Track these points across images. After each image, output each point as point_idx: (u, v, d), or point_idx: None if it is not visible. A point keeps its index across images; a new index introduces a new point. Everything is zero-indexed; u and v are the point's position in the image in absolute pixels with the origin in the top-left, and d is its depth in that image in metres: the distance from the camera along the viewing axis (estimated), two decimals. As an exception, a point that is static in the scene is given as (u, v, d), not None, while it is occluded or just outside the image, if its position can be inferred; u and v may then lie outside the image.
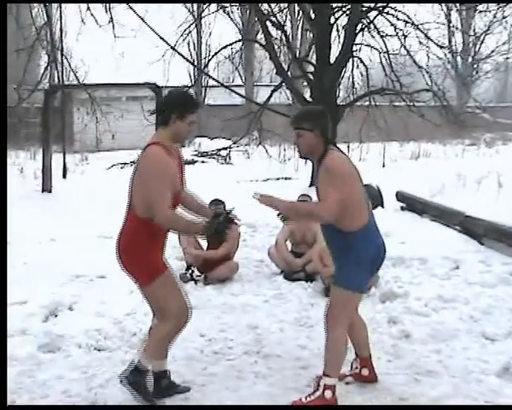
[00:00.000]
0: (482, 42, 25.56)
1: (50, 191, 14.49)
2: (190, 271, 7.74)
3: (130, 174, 4.41)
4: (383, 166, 19.88)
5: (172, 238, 8.10)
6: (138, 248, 4.34)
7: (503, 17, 17.49)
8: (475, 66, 25.49)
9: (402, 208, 11.73)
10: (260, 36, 16.41)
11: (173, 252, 8.53)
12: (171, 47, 14.65)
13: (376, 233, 4.57)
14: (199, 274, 7.74)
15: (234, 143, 19.26)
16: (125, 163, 21.29)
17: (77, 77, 18.19)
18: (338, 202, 4.27)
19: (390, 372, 5.04)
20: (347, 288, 4.42)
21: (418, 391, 4.69)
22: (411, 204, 11.53)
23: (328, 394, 4.38)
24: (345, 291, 4.43)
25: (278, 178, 16.96)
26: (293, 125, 4.61)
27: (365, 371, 4.82)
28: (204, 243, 8.11)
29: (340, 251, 4.51)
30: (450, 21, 19.86)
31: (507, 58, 29.25)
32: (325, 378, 4.41)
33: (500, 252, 8.58)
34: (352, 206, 4.38)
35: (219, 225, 4.22)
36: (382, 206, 11.70)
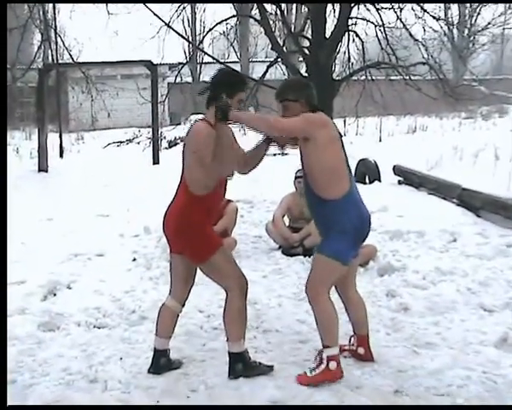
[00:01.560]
0: (478, 14, 25.35)
1: (47, 171, 14.48)
2: (188, 248, 7.73)
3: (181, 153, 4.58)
4: (380, 140, 19.88)
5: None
6: (197, 224, 4.42)
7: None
8: (472, 38, 25.34)
9: (399, 182, 11.74)
10: (255, 11, 16.27)
11: (171, 229, 8.53)
12: (166, 24, 14.53)
13: (359, 203, 4.58)
14: (197, 251, 7.72)
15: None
16: (121, 141, 21.23)
17: (71, 55, 18.07)
18: (295, 125, 4.35)
19: (389, 345, 5.07)
20: (330, 256, 4.42)
21: (417, 363, 4.72)
22: (408, 178, 11.53)
23: (332, 365, 4.40)
24: (328, 260, 4.43)
25: (275, 154, 16.89)
26: (277, 98, 4.66)
27: (361, 350, 4.83)
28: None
29: (325, 222, 4.52)
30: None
31: (503, 29, 29.08)
32: (326, 350, 4.44)
33: (497, 224, 8.61)
34: (336, 172, 4.42)
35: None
36: (379, 180, 11.72)
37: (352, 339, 4.89)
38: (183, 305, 4.79)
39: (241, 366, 4.52)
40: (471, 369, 4.61)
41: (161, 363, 4.65)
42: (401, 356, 4.84)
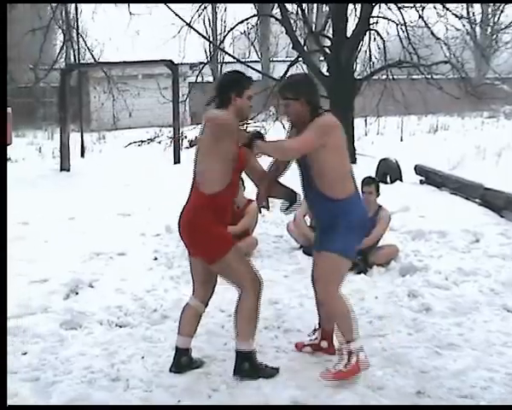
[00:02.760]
0: (502, 11, 25.07)
1: (69, 170, 14.60)
2: (209, 247, 7.73)
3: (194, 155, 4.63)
4: (401, 140, 19.77)
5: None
6: (208, 224, 4.45)
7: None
8: (494, 36, 25.07)
9: (421, 182, 11.67)
10: (276, 10, 16.25)
11: (192, 229, 8.55)
12: (187, 23, 14.59)
13: (362, 202, 4.79)
14: (218, 250, 7.73)
15: (250, 119, 19.19)
16: (142, 141, 21.27)
17: (93, 55, 18.22)
18: (308, 142, 4.36)
19: (411, 346, 5.03)
20: (338, 253, 4.44)
21: (439, 364, 4.69)
22: (430, 177, 11.46)
23: (353, 359, 4.40)
24: (336, 257, 4.45)
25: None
26: (279, 95, 4.70)
27: (324, 344, 4.89)
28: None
29: (330, 220, 4.51)
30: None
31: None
32: (347, 345, 4.44)
33: (520, 224, 8.53)
34: (345, 172, 4.50)
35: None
36: (401, 180, 11.65)
37: (316, 333, 4.95)
38: (206, 305, 4.80)
39: (248, 365, 4.51)
40: (494, 370, 4.57)
41: (183, 362, 4.66)
42: (423, 357, 4.80)
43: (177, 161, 16.01)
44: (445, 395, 4.25)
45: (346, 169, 4.53)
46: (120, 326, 5.58)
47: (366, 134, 19.97)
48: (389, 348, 4.97)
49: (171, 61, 16.05)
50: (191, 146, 18.33)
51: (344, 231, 4.44)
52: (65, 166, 14.61)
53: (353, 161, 12.22)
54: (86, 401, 4.18)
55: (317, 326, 4.95)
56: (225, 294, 6.15)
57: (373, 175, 9.33)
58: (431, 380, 4.46)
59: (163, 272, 7.04)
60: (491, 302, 5.96)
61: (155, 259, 7.54)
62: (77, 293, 6.35)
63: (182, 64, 18.64)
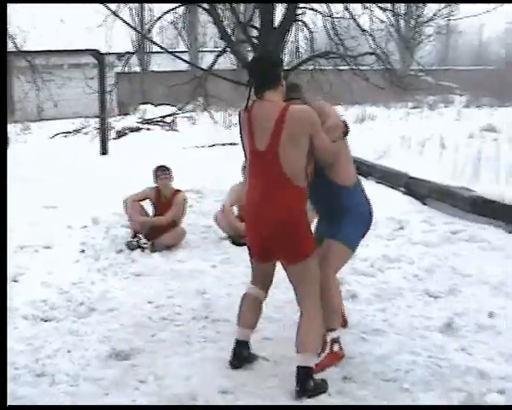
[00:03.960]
0: (425, 5, 25.66)
1: (-9, 162, 14.14)
2: (137, 238, 7.68)
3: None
4: (329, 129, 19.95)
5: (118, 206, 8.06)
6: (305, 221, 4.18)
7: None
8: (418, 29, 25.63)
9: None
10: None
11: (120, 219, 8.48)
12: (113, 12, 14.29)
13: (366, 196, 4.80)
14: (146, 241, 7.69)
15: (179, 110, 19.09)
16: (68, 132, 20.90)
17: (15, 44, 17.68)
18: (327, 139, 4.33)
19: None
20: (346, 244, 4.54)
21: (365, 350, 4.79)
22: (357, 167, 11.45)
23: (336, 347, 4.50)
24: (344, 248, 4.55)
25: (224, 144, 16.90)
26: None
27: None
28: (150, 210, 8.06)
29: (334, 210, 4.56)
30: (392, -16, 19.88)
31: (448, 21, 29.52)
32: (331, 334, 4.52)
33: (442, 212, 8.80)
34: (345, 157, 4.57)
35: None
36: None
37: None
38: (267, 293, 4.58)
39: (313, 384, 4.09)
40: (417, 354, 4.71)
41: (244, 355, 4.51)
42: (350, 343, 4.88)
43: (104, 151, 15.78)
44: (370, 380, 4.35)
45: (349, 153, 4.65)
46: (46, 320, 5.48)
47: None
48: (316, 336, 5.04)
49: (97, 50, 15.79)
50: (119, 137, 18.07)
51: (351, 220, 4.53)
52: (-13, 158, 14.19)
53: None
54: (9, 397, 4.09)
55: None
56: (153, 285, 6.15)
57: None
58: (357, 365, 4.56)
59: (90, 265, 6.95)
60: (414, 288, 6.13)
61: (82, 251, 7.43)
62: (0, 288, 6.20)
63: (109, 54, 18.38)
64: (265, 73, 4.28)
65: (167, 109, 22.42)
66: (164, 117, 21.67)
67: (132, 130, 20.20)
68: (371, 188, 10.36)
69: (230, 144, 16.82)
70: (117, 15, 14.17)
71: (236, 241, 7.71)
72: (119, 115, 22.58)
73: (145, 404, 4.06)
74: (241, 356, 4.49)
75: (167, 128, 20.84)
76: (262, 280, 4.50)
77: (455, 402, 4.04)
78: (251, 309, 4.51)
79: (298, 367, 4.10)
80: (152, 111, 23.67)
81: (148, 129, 20.55)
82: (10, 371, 4.46)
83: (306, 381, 4.07)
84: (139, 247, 7.60)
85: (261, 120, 4.16)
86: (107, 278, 6.52)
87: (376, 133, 16.74)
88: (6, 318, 4.57)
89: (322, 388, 4.14)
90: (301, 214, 4.15)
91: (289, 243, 4.13)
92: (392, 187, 10.19)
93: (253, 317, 4.51)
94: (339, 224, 4.56)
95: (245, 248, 7.50)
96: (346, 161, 4.59)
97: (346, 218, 4.55)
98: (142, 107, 24.61)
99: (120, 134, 19.59)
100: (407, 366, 4.51)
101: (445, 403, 4.03)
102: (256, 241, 4.32)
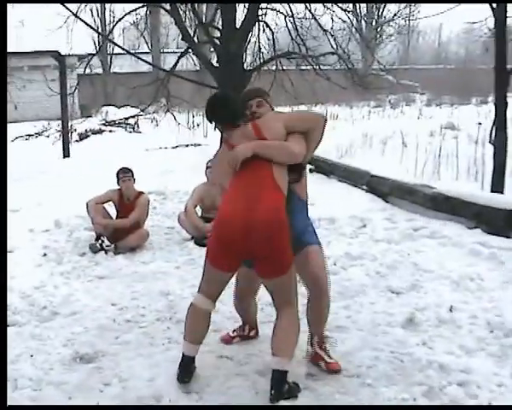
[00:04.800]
0: (385, 5, 25.98)
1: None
2: (100, 241, 7.65)
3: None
4: (292, 129, 20.04)
5: (81, 208, 8.01)
6: (288, 230, 4.14)
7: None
8: (379, 29, 25.92)
9: (310, 171, 11.89)
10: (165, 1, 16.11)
11: (83, 222, 8.43)
12: (73, 14, 14.20)
13: None
14: (109, 244, 7.66)
15: (141, 111, 19.01)
16: (29, 135, 20.69)
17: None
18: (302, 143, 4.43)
19: (301, 331, 5.14)
20: (321, 245, 4.64)
21: (328, 347, 4.82)
22: (319, 166, 11.71)
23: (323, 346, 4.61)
24: (322, 249, 4.63)
25: (187, 145, 16.88)
26: (253, 96, 4.77)
27: (253, 332, 5.06)
28: (113, 212, 8.03)
29: (303, 219, 4.62)
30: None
31: (409, 21, 29.92)
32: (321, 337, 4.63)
33: (404, 209, 8.90)
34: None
35: None
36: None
37: (245, 328, 5.07)
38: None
39: (287, 387, 4.07)
40: (379, 350, 4.76)
41: (191, 369, 4.35)
42: (313, 340, 4.93)
43: (66, 154, 15.64)
44: (333, 377, 4.38)
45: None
46: (8, 325, 5.41)
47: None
48: (280, 334, 5.07)
49: (57, 52, 15.63)
50: (81, 139, 17.92)
51: (311, 228, 4.64)
52: None
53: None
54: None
55: (242, 323, 5.07)
56: (116, 287, 6.12)
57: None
58: (320, 362, 4.59)
59: (52, 268, 6.90)
60: (376, 285, 6.19)
61: (44, 255, 7.38)
62: (-40, 293, 6.12)
63: (69, 55, 18.20)
64: (230, 118, 4.45)
65: (130, 111, 22.32)
66: (127, 119, 21.57)
67: (95, 132, 20.07)
68: (334, 186, 10.56)
69: (194, 145, 16.81)
70: (77, 17, 14.08)
71: (200, 242, 7.71)
72: (81, 118, 22.41)
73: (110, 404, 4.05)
74: (190, 370, 4.33)
75: (130, 130, 20.75)
76: (215, 291, 4.35)
77: (417, 396, 4.09)
78: (200, 324, 4.36)
79: (274, 371, 4.07)
80: (115, 113, 23.55)
81: (110, 131, 20.44)
82: (-28, 377, 4.41)
83: (282, 385, 4.05)
84: (102, 249, 7.57)
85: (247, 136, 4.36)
86: (71, 281, 6.48)
87: (339, 132, 16.83)
88: (6, 317, 4.49)
89: (295, 391, 4.14)
90: (285, 218, 4.11)
91: (277, 249, 4.06)
92: (355, 185, 10.28)
93: (203, 331, 4.37)
94: (309, 231, 4.63)
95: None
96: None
97: (310, 226, 4.66)
98: (104, 109, 24.48)
99: (83, 136, 19.45)
100: (370, 362, 4.56)
101: (407, 397, 4.08)
102: (233, 246, 4.09)
